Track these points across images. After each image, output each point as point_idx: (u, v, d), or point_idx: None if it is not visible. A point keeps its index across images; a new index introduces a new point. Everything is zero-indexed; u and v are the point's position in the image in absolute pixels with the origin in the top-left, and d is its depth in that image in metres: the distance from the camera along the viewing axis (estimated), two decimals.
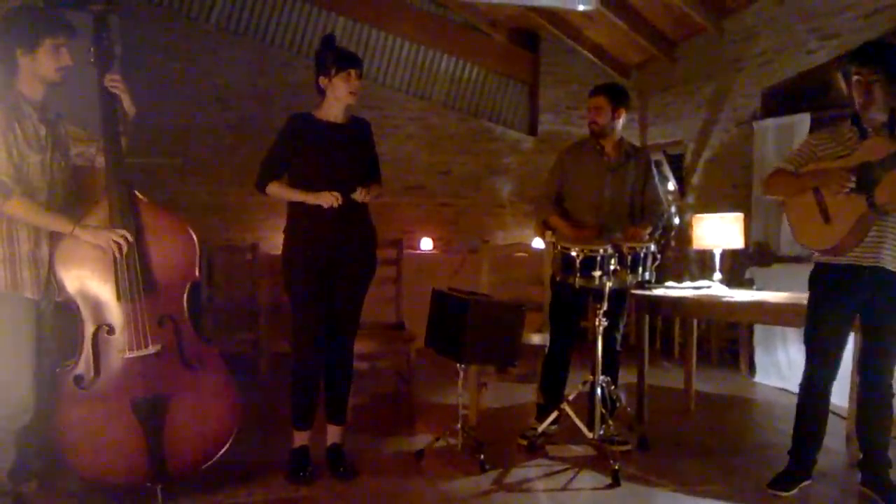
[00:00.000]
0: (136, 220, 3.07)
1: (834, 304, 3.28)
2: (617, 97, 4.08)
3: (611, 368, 4.06)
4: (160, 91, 6.57)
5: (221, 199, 6.87)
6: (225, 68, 6.92)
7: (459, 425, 3.79)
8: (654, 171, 4.24)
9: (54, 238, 2.96)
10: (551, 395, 4.11)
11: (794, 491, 3.34)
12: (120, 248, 2.96)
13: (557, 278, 3.85)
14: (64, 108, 3.12)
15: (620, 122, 4.10)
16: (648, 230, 4.00)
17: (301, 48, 7.07)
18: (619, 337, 4.15)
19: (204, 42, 6.85)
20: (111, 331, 3.03)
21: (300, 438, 3.54)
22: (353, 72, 3.42)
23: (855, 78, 3.14)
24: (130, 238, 2.99)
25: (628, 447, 3.89)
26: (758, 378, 5.60)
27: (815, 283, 3.34)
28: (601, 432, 3.69)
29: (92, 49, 3.08)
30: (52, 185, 2.96)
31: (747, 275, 5.67)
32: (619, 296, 4.01)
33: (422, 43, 7.57)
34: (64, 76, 2.94)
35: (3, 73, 2.90)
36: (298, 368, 3.51)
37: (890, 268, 3.13)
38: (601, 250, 3.58)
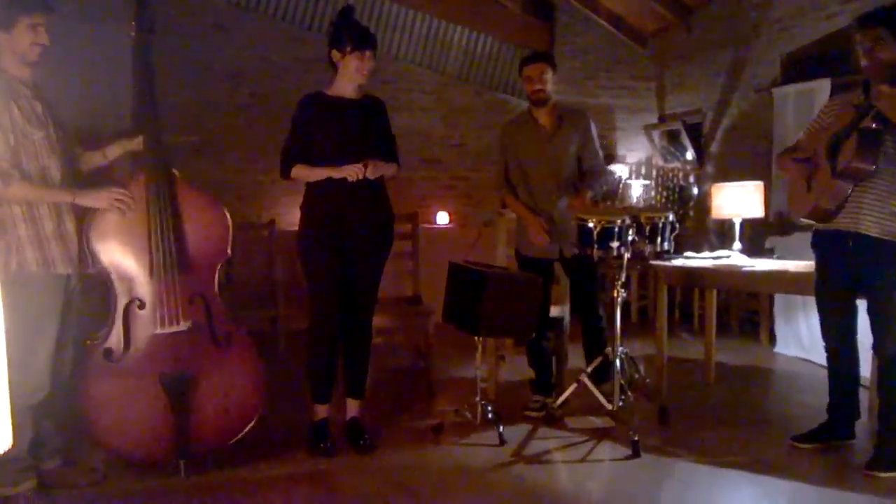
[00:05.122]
0: (172, 197, 3.09)
1: (827, 268, 3.43)
2: (553, 62, 4.10)
3: (596, 346, 4.08)
4: (172, 69, 6.50)
5: (236, 176, 6.86)
6: (237, 45, 6.88)
7: (478, 398, 3.79)
8: (594, 131, 4.15)
9: (78, 212, 2.98)
10: (540, 369, 4.20)
11: (812, 445, 3.49)
12: (124, 204, 2.98)
13: (532, 253, 3.94)
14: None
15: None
16: (589, 195, 3.97)
17: (313, 23, 7.00)
18: (601, 313, 4.15)
19: (215, 18, 6.80)
20: (142, 305, 3.06)
21: (320, 412, 3.56)
22: (368, 52, 3.38)
23: (858, 44, 3.16)
24: (130, 195, 3.02)
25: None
26: (778, 348, 5.55)
27: (813, 249, 3.51)
28: (620, 404, 3.68)
29: (133, 23, 3.09)
30: (62, 160, 2.97)
31: (767, 244, 5.60)
32: (588, 265, 3.99)
33: (435, 15, 7.47)
34: (39, 54, 2.90)
35: None
36: (315, 343, 3.52)
37: (871, 234, 3.19)
38: (619, 221, 3.55)
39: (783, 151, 3.63)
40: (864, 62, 3.20)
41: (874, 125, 3.08)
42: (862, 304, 3.38)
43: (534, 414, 4.04)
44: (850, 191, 3.19)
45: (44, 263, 2.87)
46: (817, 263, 3.51)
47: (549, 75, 4.03)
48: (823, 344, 3.54)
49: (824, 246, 3.42)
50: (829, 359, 3.54)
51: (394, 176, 3.60)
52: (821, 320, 3.51)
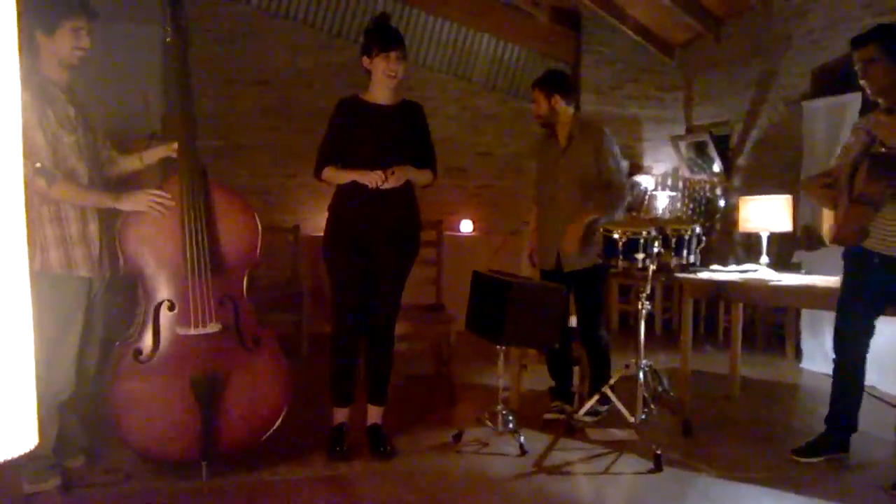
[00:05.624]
0: (207, 200, 3.12)
1: (854, 282, 3.41)
2: (549, 85, 4.11)
3: (598, 368, 4.07)
4: (200, 73, 6.60)
5: (262, 181, 6.92)
6: (265, 50, 6.94)
7: (499, 407, 3.78)
8: (609, 147, 4.05)
9: (104, 215, 3.02)
10: (559, 378, 4.25)
11: (816, 459, 3.46)
12: (163, 206, 3.02)
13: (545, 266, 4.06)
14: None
15: (562, 105, 4.08)
16: (587, 220, 3.90)
17: (342, 30, 7.07)
18: (601, 333, 4.11)
19: (244, 24, 6.88)
20: (173, 307, 3.09)
21: (339, 416, 3.58)
22: (392, 53, 3.40)
23: (856, 65, 3.17)
24: (167, 196, 3.04)
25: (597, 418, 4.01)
26: (804, 364, 5.48)
27: (843, 259, 3.50)
28: (643, 417, 3.65)
29: (168, 29, 3.13)
30: (91, 165, 3.00)
31: (795, 259, 5.55)
32: (590, 278, 3.99)
33: (463, 23, 7.51)
34: (80, 59, 2.93)
35: (26, 55, 2.91)
36: (336, 346, 3.55)
37: (894, 255, 3.18)
38: (644, 232, 3.53)
39: (811, 177, 3.64)
40: (862, 82, 3.24)
41: (883, 149, 3.08)
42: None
43: (552, 416, 4.06)
44: (870, 215, 3.18)
45: (66, 264, 2.89)
46: (845, 276, 3.49)
47: (541, 100, 4.09)
48: (833, 355, 3.53)
49: (853, 260, 3.41)
50: (836, 370, 3.52)
51: (429, 184, 3.60)
52: (837, 330, 3.50)
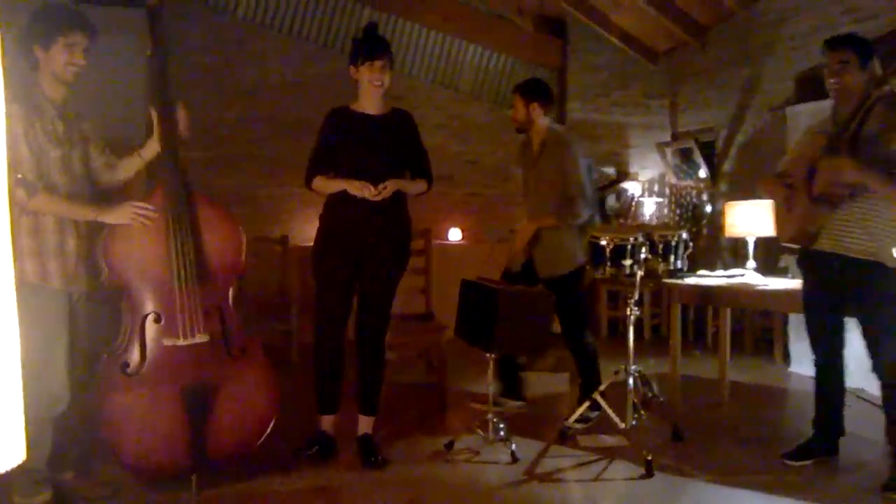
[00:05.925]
0: (191, 210, 3.11)
1: (814, 287, 3.47)
2: (528, 93, 4.14)
3: (586, 374, 4.09)
4: (188, 84, 6.58)
5: (251, 191, 6.89)
6: (253, 61, 6.93)
7: (490, 415, 3.78)
8: (571, 158, 4.03)
9: (83, 231, 2.99)
10: (506, 380, 4.43)
11: (807, 462, 3.48)
12: (146, 217, 3.00)
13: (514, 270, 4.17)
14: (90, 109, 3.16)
15: (539, 113, 4.13)
16: (533, 227, 4.06)
17: (328, 40, 7.07)
18: (589, 339, 4.14)
19: (232, 35, 6.87)
20: (159, 318, 3.07)
21: (325, 423, 3.59)
22: (377, 62, 3.41)
23: (828, 67, 3.27)
24: (151, 207, 3.03)
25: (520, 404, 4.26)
26: (793, 367, 5.51)
27: (799, 267, 3.59)
28: (633, 423, 3.66)
29: (149, 41, 3.11)
30: (74, 180, 2.98)
31: (781, 263, 5.58)
32: (563, 284, 4.00)
33: (448, 33, 7.52)
34: (74, 74, 2.91)
35: (25, 68, 2.90)
36: (320, 354, 3.55)
37: (851, 255, 3.20)
38: (631, 238, 3.55)
39: (769, 176, 3.68)
40: (829, 83, 3.27)
41: None
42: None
43: (479, 405, 4.25)
44: (828, 214, 3.22)
45: (41, 276, 2.87)
46: (804, 282, 3.55)
47: (520, 106, 4.14)
48: (813, 358, 3.56)
49: (810, 266, 3.46)
50: (816, 374, 3.57)
51: (422, 192, 3.61)
52: (809, 337, 3.55)
